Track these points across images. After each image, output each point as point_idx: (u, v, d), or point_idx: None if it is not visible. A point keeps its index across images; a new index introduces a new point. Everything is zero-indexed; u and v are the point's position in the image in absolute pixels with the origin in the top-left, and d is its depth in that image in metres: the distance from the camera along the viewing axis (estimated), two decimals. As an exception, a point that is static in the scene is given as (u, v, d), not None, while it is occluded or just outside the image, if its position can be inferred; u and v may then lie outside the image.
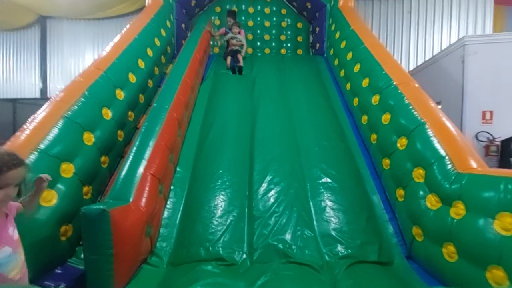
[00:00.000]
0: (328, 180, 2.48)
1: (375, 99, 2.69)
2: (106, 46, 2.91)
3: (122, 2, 7.79)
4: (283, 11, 5.37)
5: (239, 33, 4.47)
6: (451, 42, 5.93)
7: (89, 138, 2.14)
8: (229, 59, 4.27)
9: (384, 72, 2.69)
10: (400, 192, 2.15)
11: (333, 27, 4.31)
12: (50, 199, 1.70)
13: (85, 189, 2.02)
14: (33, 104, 7.39)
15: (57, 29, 9.59)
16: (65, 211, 1.76)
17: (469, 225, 1.49)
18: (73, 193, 1.86)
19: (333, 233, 2.12)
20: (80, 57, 9.37)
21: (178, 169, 2.59)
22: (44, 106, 2.08)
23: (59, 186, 1.79)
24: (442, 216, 1.67)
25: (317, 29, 4.94)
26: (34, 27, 9.78)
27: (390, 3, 7.33)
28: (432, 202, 1.78)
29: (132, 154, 2.04)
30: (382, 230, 2.22)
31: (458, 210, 1.58)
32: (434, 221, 1.73)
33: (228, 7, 5.33)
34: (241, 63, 4.20)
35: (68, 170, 1.88)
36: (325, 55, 4.58)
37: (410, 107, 2.23)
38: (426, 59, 6.04)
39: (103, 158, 2.28)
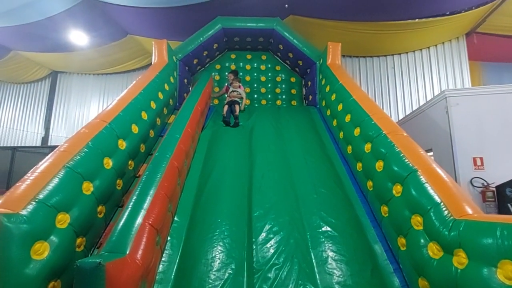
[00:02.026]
0: (328, 228, 2.44)
1: (367, 147, 2.79)
2: (112, 98, 3.09)
3: (131, 59, 8.47)
4: (277, 67, 5.85)
5: (239, 87, 4.83)
6: (435, 94, 6.38)
7: (88, 188, 2.14)
8: (226, 107, 4.51)
9: (373, 122, 2.84)
10: (401, 241, 2.11)
11: (323, 82, 4.67)
12: (42, 251, 1.63)
13: (79, 240, 1.96)
14: (33, 152, 7.44)
15: (66, 82, 10.16)
16: (56, 265, 1.68)
17: (474, 275, 1.45)
18: (66, 245, 1.80)
19: (336, 287, 2.03)
20: (85, 108, 9.76)
21: (175, 218, 2.55)
22: (48, 156, 2.13)
23: (53, 238, 1.73)
24: (446, 266, 1.62)
25: (309, 83, 5.34)
26: (45, 80, 10.37)
27: (375, 60, 8.07)
28: (434, 250, 1.75)
29: (131, 203, 2.02)
30: (388, 283, 2.12)
31: (460, 259, 1.55)
32: (439, 271, 1.68)
33: (227, 64, 5.82)
34: (237, 113, 4.41)
35: (63, 220, 1.84)
36: (318, 106, 4.87)
37: (401, 155, 2.31)
38: (413, 109, 6.40)
39: (99, 208, 2.25)
